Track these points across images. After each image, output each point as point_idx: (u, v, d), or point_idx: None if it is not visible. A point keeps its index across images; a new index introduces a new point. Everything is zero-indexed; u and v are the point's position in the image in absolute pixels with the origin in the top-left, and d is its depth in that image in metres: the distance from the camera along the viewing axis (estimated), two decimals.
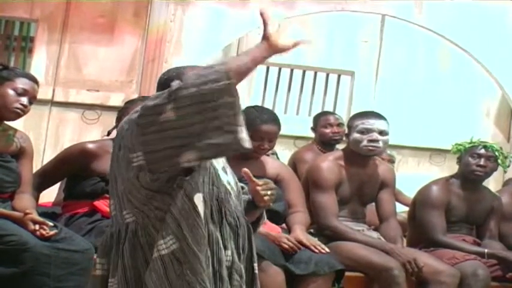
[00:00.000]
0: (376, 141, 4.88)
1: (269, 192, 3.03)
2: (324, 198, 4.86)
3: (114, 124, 4.70)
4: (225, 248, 2.83)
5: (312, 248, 4.48)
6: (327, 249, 4.53)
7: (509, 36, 8.62)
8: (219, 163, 2.98)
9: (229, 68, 2.68)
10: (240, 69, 2.73)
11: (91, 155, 4.44)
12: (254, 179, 3.02)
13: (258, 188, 3.01)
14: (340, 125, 6.49)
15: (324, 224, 4.84)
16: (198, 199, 2.76)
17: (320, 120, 6.58)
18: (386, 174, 5.13)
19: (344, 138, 5.07)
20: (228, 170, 3.05)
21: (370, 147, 4.89)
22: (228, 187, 2.96)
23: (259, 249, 3.10)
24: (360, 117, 4.98)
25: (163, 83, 2.96)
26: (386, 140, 4.94)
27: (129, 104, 4.62)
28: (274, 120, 4.72)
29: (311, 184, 4.93)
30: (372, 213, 5.23)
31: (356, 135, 4.91)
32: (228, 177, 3.00)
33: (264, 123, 4.64)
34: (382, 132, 4.90)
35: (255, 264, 3.01)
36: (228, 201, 2.92)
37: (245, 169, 3.01)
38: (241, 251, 2.92)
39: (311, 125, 6.73)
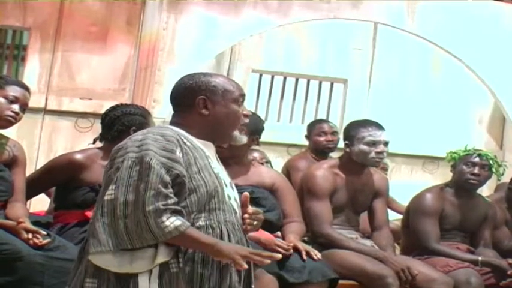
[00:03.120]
0: (382, 152, 4.92)
1: (255, 223, 3.05)
2: (318, 206, 4.86)
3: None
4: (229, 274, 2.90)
5: (304, 253, 4.45)
6: (319, 255, 4.51)
7: (501, 45, 8.65)
8: (226, 178, 3.01)
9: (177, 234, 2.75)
10: (185, 243, 2.82)
11: (79, 166, 4.42)
12: (248, 205, 3.03)
13: (246, 216, 3.02)
14: (334, 133, 6.48)
15: (317, 232, 4.84)
16: None
17: (314, 128, 6.56)
18: (381, 183, 5.13)
19: (347, 149, 5.02)
20: (233, 184, 3.08)
21: (377, 159, 4.94)
22: (234, 205, 3.00)
23: None
24: (364, 128, 4.95)
25: (188, 90, 3.00)
26: (387, 151, 4.99)
27: (113, 111, 4.59)
28: None
29: (305, 192, 4.92)
30: (366, 221, 5.23)
31: (363, 147, 4.90)
32: (234, 193, 3.03)
33: None
34: (386, 144, 4.94)
35: (253, 286, 3.06)
36: (232, 221, 2.96)
37: (246, 193, 3.04)
38: (242, 272, 2.95)
39: (304, 132, 6.72)
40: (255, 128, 4.62)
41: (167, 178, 2.78)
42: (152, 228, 2.72)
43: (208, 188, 2.86)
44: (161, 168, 2.77)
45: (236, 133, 3.15)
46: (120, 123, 4.48)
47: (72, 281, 2.90)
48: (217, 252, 2.79)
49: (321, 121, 6.94)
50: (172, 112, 3.09)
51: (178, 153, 2.84)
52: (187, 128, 2.97)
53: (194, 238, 2.78)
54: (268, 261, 2.85)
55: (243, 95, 3.08)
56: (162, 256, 2.77)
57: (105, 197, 2.76)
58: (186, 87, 3.01)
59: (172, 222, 2.74)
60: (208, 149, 3.00)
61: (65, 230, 4.36)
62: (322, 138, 6.43)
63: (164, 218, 2.73)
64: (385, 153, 4.95)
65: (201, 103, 2.98)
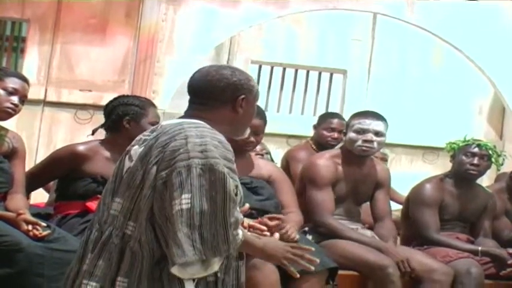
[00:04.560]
0: (371, 141, 4.85)
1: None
2: (320, 195, 4.84)
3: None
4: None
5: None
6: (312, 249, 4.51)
7: (501, 35, 8.65)
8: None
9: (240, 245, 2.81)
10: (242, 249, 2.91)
11: (81, 157, 4.42)
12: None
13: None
14: (342, 131, 6.36)
15: (318, 221, 4.82)
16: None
17: (324, 121, 6.41)
18: (382, 174, 5.11)
19: (343, 139, 5.03)
20: None
21: (364, 148, 4.87)
22: None
23: None
24: (357, 117, 4.95)
25: (231, 86, 2.95)
26: (381, 141, 4.92)
27: (112, 102, 4.58)
28: (259, 113, 4.61)
29: (307, 181, 4.90)
30: (366, 212, 5.22)
31: (352, 134, 4.89)
32: None
33: None
34: (377, 133, 4.88)
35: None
36: None
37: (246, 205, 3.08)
38: (240, 277, 2.96)
39: (304, 123, 6.69)
40: None
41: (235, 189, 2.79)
42: (229, 240, 2.70)
43: (242, 195, 2.87)
44: (230, 178, 2.75)
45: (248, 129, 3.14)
46: (115, 113, 4.48)
47: (91, 274, 2.82)
48: (265, 258, 3.15)
49: (333, 116, 6.71)
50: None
51: (234, 163, 2.82)
52: (214, 124, 2.88)
53: (248, 244, 2.92)
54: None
55: None
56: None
57: (183, 206, 2.67)
58: (230, 83, 2.94)
59: (241, 232, 2.80)
60: None
61: (65, 220, 4.35)
62: (328, 134, 6.29)
63: (239, 229, 2.77)
64: (375, 143, 4.87)
65: (241, 102, 2.95)
